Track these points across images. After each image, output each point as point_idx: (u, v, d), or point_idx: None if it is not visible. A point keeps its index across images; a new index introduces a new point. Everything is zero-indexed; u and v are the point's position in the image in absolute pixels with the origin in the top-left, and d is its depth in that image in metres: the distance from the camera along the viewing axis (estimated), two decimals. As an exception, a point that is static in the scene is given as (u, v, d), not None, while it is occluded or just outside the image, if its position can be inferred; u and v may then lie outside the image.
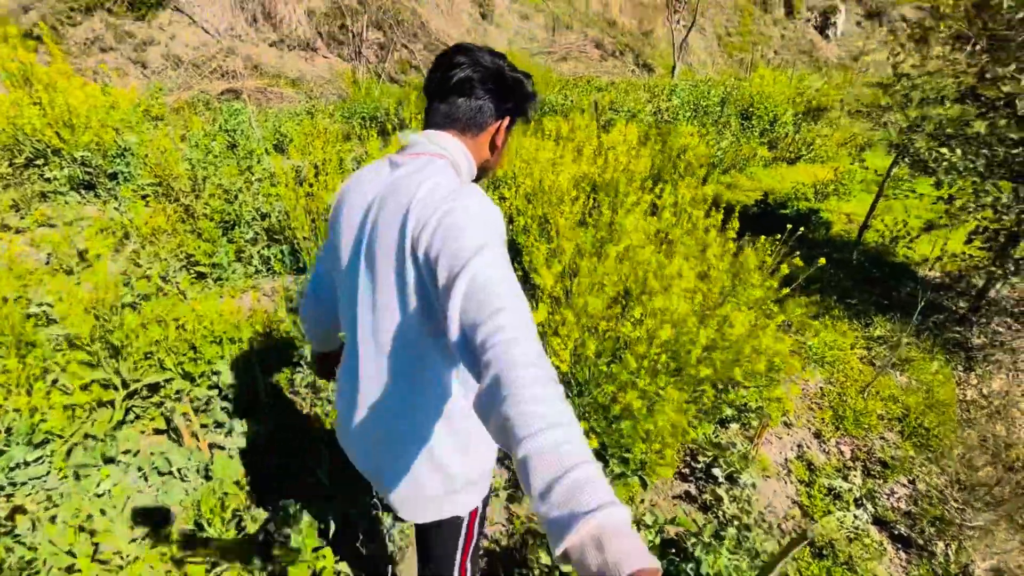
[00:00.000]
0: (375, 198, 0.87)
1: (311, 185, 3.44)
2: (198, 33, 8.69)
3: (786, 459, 2.43)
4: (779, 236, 2.68)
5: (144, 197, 3.81)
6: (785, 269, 2.24)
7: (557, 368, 1.59)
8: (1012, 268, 3.32)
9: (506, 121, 0.94)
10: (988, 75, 3.03)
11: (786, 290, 2.22)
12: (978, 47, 3.18)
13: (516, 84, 0.93)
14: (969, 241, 3.54)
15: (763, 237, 2.70)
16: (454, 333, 0.68)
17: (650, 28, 13.68)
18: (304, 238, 3.16)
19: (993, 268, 3.39)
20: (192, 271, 3.10)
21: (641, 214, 2.84)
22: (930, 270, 4.23)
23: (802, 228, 3.01)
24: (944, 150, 3.21)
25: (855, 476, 2.35)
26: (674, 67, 12.14)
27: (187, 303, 2.66)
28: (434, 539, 1.06)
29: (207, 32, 8.81)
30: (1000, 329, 3.63)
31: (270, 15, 9.92)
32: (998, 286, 3.48)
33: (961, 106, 3.29)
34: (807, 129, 7.82)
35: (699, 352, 1.75)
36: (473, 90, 0.90)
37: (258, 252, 3.29)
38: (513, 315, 0.65)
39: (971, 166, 3.26)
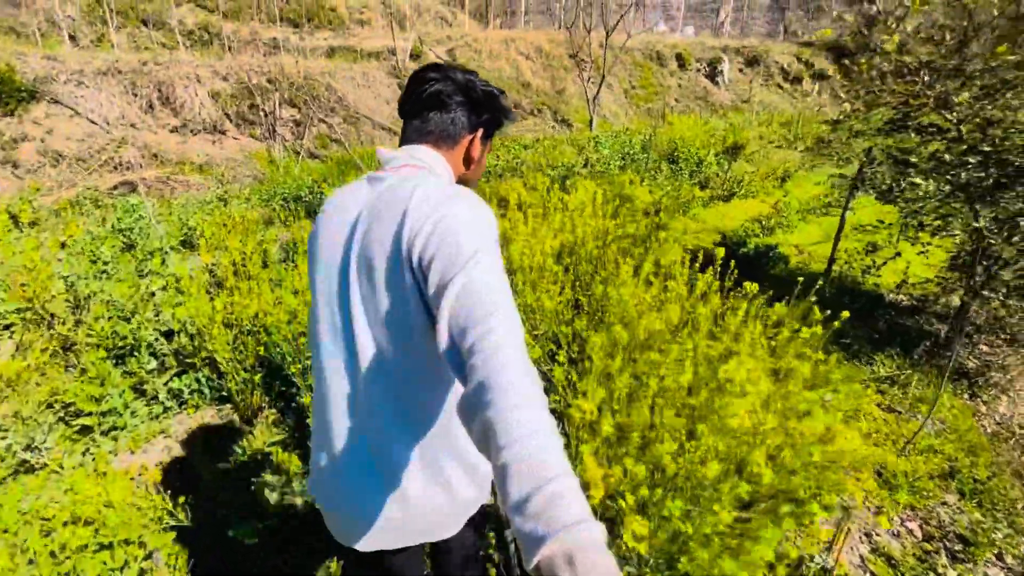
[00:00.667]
0: (361, 213, 0.86)
1: (232, 289, 2.82)
2: (82, 124, 7.82)
3: (862, 557, 2.03)
4: (773, 292, 2.41)
5: (8, 328, 2.99)
6: (808, 332, 1.94)
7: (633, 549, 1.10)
8: (980, 283, 3.29)
9: (480, 133, 0.96)
10: (943, 104, 3.07)
11: (833, 360, 1.90)
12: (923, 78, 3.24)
13: (488, 96, 0.95)
14: (954, 264, 3.52)
15: (754, 286, 2.43)
16: (443, 338, 0.67)
17: (562, 87, 14.29)
18: (227, 359, 2.50)
19: (968, 286, 3.36)
20: (72, 425, 2.34)
21: (634, 282, 2.48)
22: (898, 294, 4.22)
23: (780, 266, 2.80)
24: (919, 179, 3.18)
25: (942, 563, 1.99)
26: (591, 120, 12.62)
27: (61, 477, 1.93)
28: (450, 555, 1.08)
29: (93, 123, 7.95)
30: (984, 347, 3.58)
31: (168, 100, 9.22)
32: (975, 305, 3.43)
33: (913, 136, 3.32)
34: (735, 167, 8.14)
35: (772, 478, 1.34)
36: (445, 103, 0.92)
37: (165, 385, 2.58)
38: (503, 322, 0.65)
39: (939, 193, 3.26)
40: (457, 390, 0.87)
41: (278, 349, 2.55)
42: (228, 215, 4.96)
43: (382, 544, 0.90)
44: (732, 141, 8.81)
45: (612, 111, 15.19)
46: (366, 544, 0.89)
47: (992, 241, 3.02)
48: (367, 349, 0.83)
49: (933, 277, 3.67)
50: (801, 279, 4.38)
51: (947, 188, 3.23)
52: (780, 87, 21.35)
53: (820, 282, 4.02)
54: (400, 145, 0.95)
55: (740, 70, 20.83)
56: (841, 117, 3.41)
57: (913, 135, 3.33)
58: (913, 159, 3.37)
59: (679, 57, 18.57)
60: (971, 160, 2.96)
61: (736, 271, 2.80)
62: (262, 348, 2.58)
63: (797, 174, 8.33)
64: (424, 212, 0.77)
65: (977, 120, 2.88)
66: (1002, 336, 3.54)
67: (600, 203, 3.22)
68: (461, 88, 0.92)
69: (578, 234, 2.83)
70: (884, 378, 3.14)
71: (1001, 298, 3.26)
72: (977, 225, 3.09)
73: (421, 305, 0.78)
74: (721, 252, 2.54)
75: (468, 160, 0.96)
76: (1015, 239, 2.97)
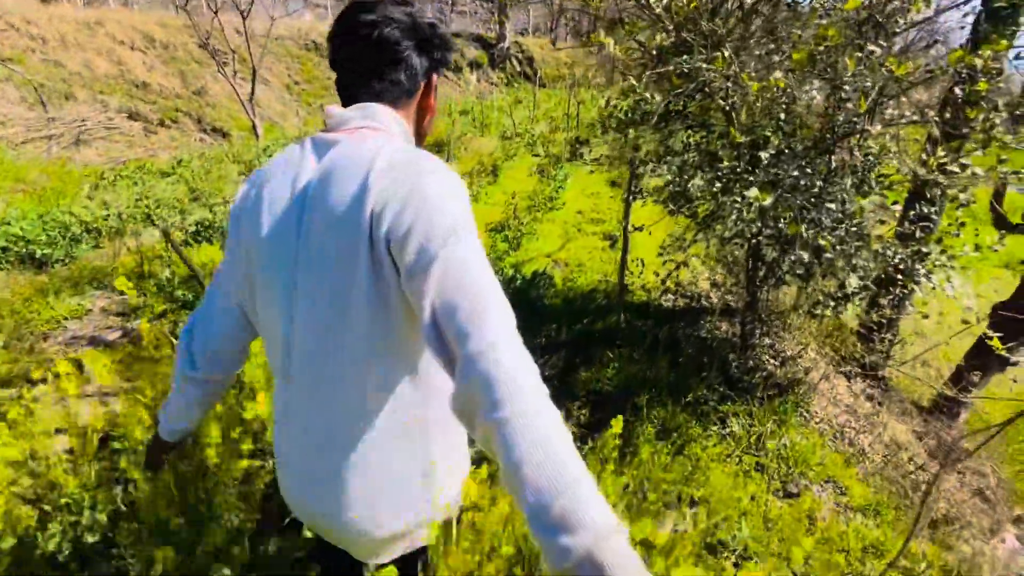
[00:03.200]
0: (310, 182, 0.75)
1: None
2: None
3: None
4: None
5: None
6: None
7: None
8: (761, 278, 3.00)
9: (434, 78, 0.86)
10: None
11: None
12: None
13: (433, 32, 0.82)
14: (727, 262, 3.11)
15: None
16: (426, 318, 0.63)
17: (200, 86, 10.92)
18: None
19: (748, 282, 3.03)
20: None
21: None
22: (669, 296, 3.85)
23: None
24: (698, 179, 2.51)
25: None
26: (254, 126, 9.97)
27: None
28: None
29: None
30: (786, 351, 3.39)
31: None
32: (763, 292, 3.14)
33: (677, 127, 2.68)
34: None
35: None
36: (396, 52, 0.79)
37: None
38: (492, 308, 0.61)
39: (713, 189, 2.70)
40: (422, 380, 0.78)
41: None
42: None
43: (361, 555, 0.85)
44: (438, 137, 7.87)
45: (278, 111, 12.61)
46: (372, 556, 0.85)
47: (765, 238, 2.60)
48: (316, 337, 0.75)
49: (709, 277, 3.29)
50: (594, 305, 3.53)
51: (718, 184, 2.72)
52: (444, 76, 22.08)
53: (616, 317, 3.21)
54: (344, 101, 0.82)
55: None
56: (616, 104, 2.54)
57: (680, 127, 2.71)
58: (687, 155, 2.78)
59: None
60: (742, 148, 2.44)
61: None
62: None
63: (505, 164, 7.98)
64: (389, 183, 0.69)
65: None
66: (787, 330, 3.43)
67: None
68: (409, 29, 0.79)
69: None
70: (739, 437, 2.49)
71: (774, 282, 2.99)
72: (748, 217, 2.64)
73: (381, 286, 0.70)
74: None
75: (424, 110, 0.87)
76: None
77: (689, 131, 2.85)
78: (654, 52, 2.39)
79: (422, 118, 0.87)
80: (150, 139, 8.85)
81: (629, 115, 2.58)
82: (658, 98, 2.09)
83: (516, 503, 0.51)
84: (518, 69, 21.61)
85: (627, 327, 3.38)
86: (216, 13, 9.37)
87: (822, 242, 2.04)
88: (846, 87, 2.17)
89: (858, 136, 2.47)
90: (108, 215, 4.92)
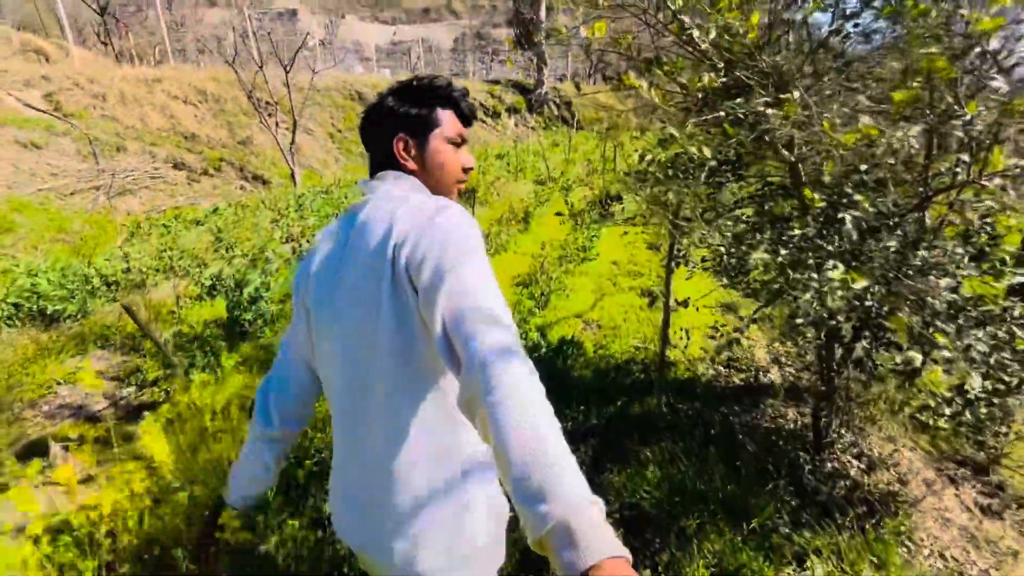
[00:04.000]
0: (348, 239, 0.87)
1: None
2: None
3: None
4: None
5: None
6: None
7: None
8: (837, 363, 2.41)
9: (416, 139, 0.94)
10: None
11: None
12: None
13: (405, 95, 0.93)
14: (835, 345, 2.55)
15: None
16: (438, 330, 0.70)
17: (246, 136, 11.33)
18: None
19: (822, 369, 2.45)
20: None
21: None
22: (719, 370, 3.28)
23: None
24: (760, 251, 2.01)
25: None
26: (292, 174, 10.16)
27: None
28: None
29: None
30: (873, 450, 2.76)
31: None
32: (841, 378, 2.54)
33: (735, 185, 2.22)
34: (478, 215, 6.92)
35: None
36: (378, 132, 0.95)
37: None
38: (496, 320, 0.67)
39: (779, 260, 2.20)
40: (449, 410, 0.84)
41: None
42: None
43: None
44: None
45: (319, 159, 12.92)
46: None
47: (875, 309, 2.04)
48: (363, 376, 0.83)
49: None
50: (630, 380, 3.05)
51: (784, 253, 2.20)
52: (482, 122, 22.44)
53: (657, 399, 2.69)
54: (371, 174, 0.97)
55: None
56: (652, 156, 2.11)
57: (735, 183, 2.25)
58: (741, 212, 2.30)
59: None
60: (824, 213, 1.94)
61: None
62: None
63: (537, 211, 7.65)
64: (409, 223, 0.79)
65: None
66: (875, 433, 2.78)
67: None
68: (376, 109, 0.95)
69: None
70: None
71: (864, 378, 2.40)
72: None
73: (406, 313, 0.78)
74: None
75: (430, 166, 0.95)
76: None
77: (741, 183, 2.39)
78: (699, 95, 1.98)
79: (431, 172, 0.94)
80: (193, 187, 9.09)
81: (668, 169, 2.15)
82: (706, 151, 1.66)
83: (503, 478, 0.56)
84: (556, 113, 21.77)
85: (670, 411, 2.83)
86: (261, 68, 9.75)
87: (940, 339, 1.50)
88: (956, 132, 1.67)
89: (966, 189, 1.93)
90: (128, 268, 4.84)
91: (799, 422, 2.81)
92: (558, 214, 7.74)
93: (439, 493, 0.81)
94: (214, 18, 32.47)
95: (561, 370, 3.27)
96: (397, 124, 0.92)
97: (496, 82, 24.00)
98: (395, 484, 0.81)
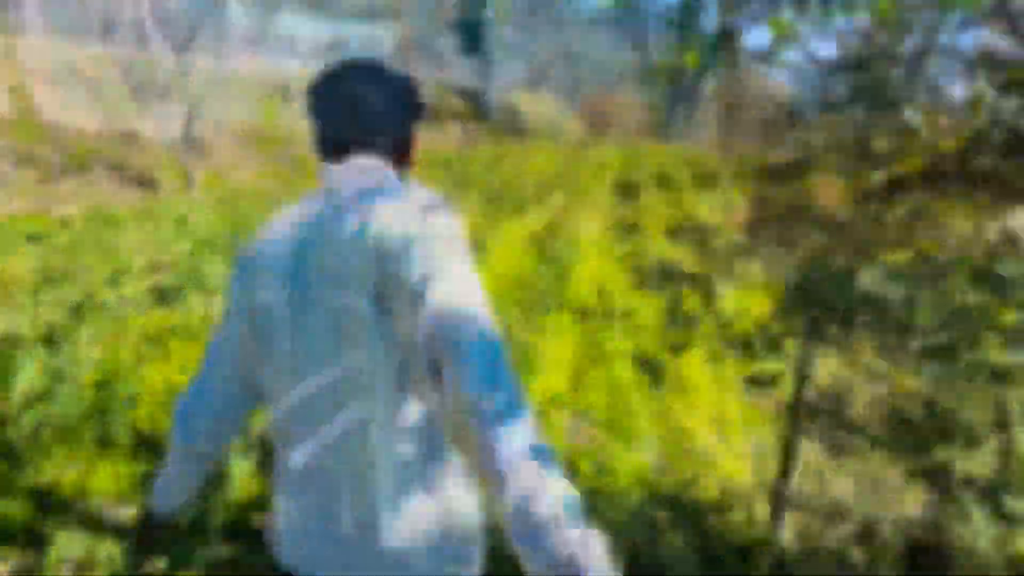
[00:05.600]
0: (316, 230, 0.78)
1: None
2: None
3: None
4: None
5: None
6: None
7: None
8: None
9: (416, 128, 0.89)
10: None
11: None
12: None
13: (409, 91, 0.87)
14: None
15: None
16: (420, 336, 0.66)
17: (131, 128, 9.24)
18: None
19: None
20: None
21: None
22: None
23: None
24: None
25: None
26: (188, 176, 8.29)
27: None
28: None
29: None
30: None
31: None
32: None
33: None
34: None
35: None
36: (379, 113, 0.83)
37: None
38: (482, 325, 0.65)
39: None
40: (427, 418, 0.79)
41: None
42: None
43: None
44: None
45: (229, 160, 10.98)
46: None
47: None
48: (325, 382, 0.78)
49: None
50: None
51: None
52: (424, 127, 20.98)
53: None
54: (336, 155, 0.82)
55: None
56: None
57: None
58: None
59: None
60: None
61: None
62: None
63: (490, 235, 6.34)
64: (388, 223, 0.72)
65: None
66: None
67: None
68: (391, 93, 0.83)
69: None
70: None
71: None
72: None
73: (384, 317, 0.71)
74: None
75: (410, 156, 0.89)
76: None
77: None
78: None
79: (406, 164, 0.89)
80: (44, 189, 7.04)
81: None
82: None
83: (497, 499, 0.55)
84: (507, 122, 20.72)
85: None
86: (149, 45, 7.86)
87: None
88: None
89: None
90: None
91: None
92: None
93: (425, 514, 0.77)
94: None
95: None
96: (417, 109, 0.87)
97: (442, 86, 22.62)
98: (376, 509, 0.76)
